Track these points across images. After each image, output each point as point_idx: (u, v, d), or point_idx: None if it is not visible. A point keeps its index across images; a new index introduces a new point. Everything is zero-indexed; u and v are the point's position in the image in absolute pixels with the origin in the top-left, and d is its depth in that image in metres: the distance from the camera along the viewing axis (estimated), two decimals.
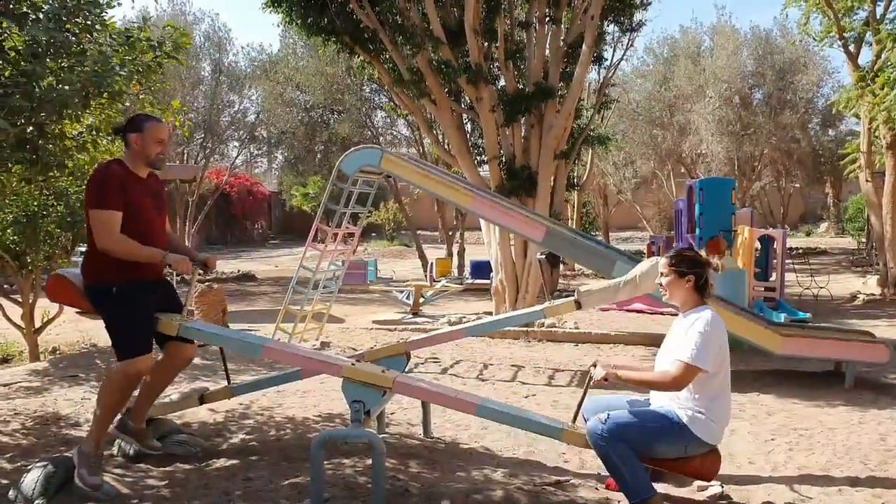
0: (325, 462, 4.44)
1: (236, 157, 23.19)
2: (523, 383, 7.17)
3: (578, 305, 4.59)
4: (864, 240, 23.70)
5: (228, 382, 5.11)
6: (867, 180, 14.92)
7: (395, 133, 20.96)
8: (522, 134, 9.66)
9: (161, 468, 4.57)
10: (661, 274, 3.86)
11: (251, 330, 10.26)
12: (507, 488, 4.10)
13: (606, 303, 4.62)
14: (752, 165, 24.79)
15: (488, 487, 4.11)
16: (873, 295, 14.27)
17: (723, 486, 4.12)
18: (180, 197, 21.14)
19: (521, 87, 9.66)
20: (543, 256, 4.58)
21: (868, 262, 20.94)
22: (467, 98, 10.20)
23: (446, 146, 11.02)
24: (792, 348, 6.76)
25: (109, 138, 5.87)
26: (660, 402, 3.79)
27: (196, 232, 21.35)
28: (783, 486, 4.14)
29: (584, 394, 4.05)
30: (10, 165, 5.48)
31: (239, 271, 20.55)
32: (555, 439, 4.18)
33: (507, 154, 9.62)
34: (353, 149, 7.98)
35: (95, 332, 10.36)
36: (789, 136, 23.04)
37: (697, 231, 14.12)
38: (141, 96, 5.72)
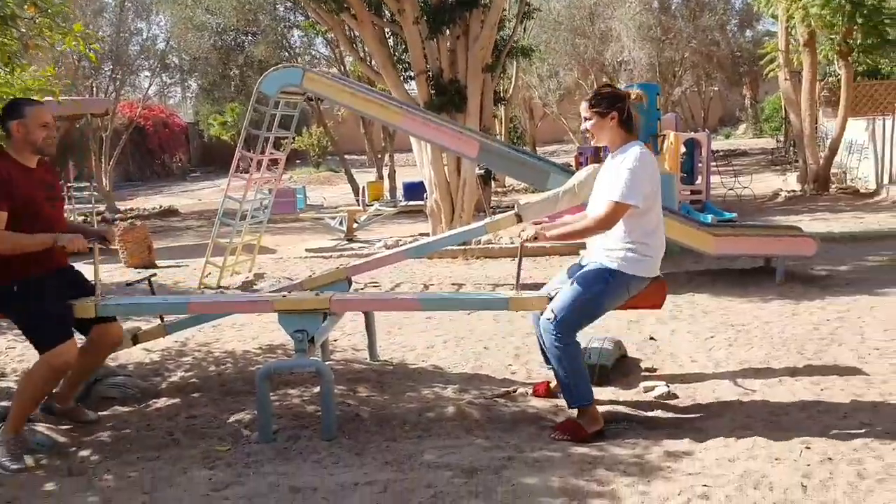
0: (271, 394, 4.34)
1: (148, 88, 22.12)
2: None
3: (519, 219, 4.50)
4: (781, 139, 24.37)
5: (162, 320, 4.90)
6: (786, 79, 15.18)
7: (314, 53, 20.21)
8: (448, 46, 9.37)
9: (99, 412, 4.39)
10: (585, 118, 3.74)
11: (178, 266, 9.95)
12: (459, 403, 4.09)
13: (547, 214, 4.54)
14: (673, 71, 24.95)
15: (440, 404, 4.09)
16: (794, 191, 14.73)
17: (668, 386, 4.19)
18: (93, 133, 20.10)
19: None
20: (483, 172, 4.42)
21: (786, 161, 21.58)
22: (388, 11, 9.81)
23: (370, 63, 10.66)
24: (724, 248, 6.90)
25: (7, 68, 5.40)
26: (592, 258, 3.75)
27: (112, 169, 20.42)
28: (727, 382, 4.24)
29: (520, 259, 4.01)
30: None
31: (161, 207, 19.87)
32: (503, 310, 4.18)
33: (433, 69, 9.35)
34: (272, 69, 7.62)
35: None
36: (709, 39, 23.20)
37: None
38: (37, 20, 5.22)
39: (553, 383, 4.16)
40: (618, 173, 3.56)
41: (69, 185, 14.17)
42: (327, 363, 5.07)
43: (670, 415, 3.85)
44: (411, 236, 11.99)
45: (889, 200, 12.59)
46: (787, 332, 5.15)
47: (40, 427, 4.01)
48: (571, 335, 3.64)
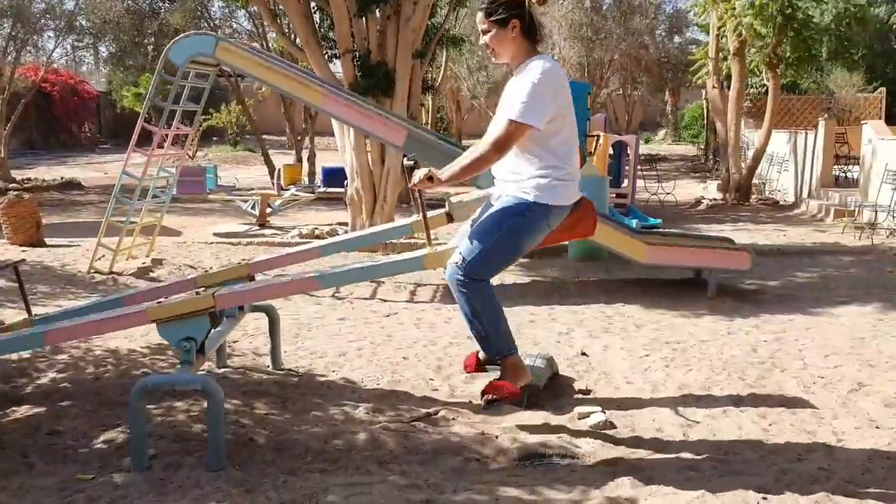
0: (153, 406, 3.74)
1: (53, 50, 20.54)
2: (384, 300, 6.63)
3: (450, 218, 4.01)
4: (702, 146, 24.69)
5: (29, 313, 4.22)
6: (714, 87, 15.19)
7: (235, 26, 19.20)
8: (378, 27, 8.78)
9: None
10: (483, 32, 3.22)
11: (71, 246, 9.06)
12: (372, 428, 3.58)
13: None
14: (601, 72, 24.95)
15: (350, 429, 3.56)
16: (716, 200, 14.75)
17: (605, 412, 3.79)
18: None
19: None
20: (412, 163, 3.92)
21: (706, 168, 21.83)
22: None
23: (293, 38, 9.97)
24: (656, 257, 6.59)
25: None
26: (503, 191, 3.28)
27: (10, 135, 18.90)
28: (667, 410, 3.86)
29: (423, 209, 3.62)
30: None
31: (63, 178, 18.53)
32: (418, 270, 3.75)
33: (361, 48, 8.75)
34: (181, 35, 6.90)
35: None
36: (638, 42, 23.23)
37: None
38: None
39: (483, 353, 3.70)
40: (517, 90, 3.06)
41: None
42: (222, 370, 4.49)
43: (609, 448, 3.44)
44: (328, 225, 11.37)
45: (808, 214, 12.69)
46: (726, 354, 4.84)
47: None
48: (483, 279, 3.18)
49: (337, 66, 10.05)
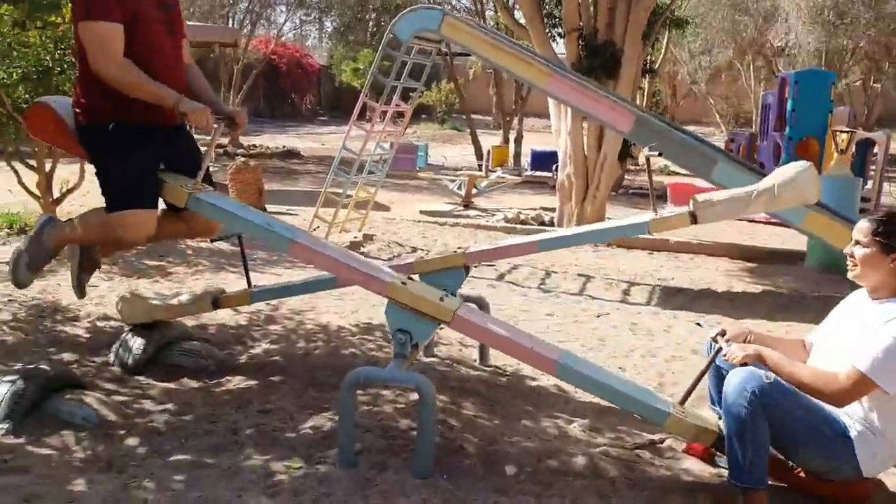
0: (359, 393, 3.58)
1: (283, 24, 21.79)
2: (593, 298, 6.21)
3: (694, 219, 3.50)
4: None
5: (249, 285, 4.23)
6: None
7: (454, 3, 19.28)
8: (608, 4, 8.25)
9: (164, 384, 3.77)
10: (857, 243, 2.77)
11: (289, 214, 9.41)
12: (590, 452, 3.19)
13: (731, 217, 3.54)
14: (842, 61, 22.59)
15: (566, 449, 3.20)
16: None
17: None
18: (224, 64, 20.02)
19: None
20: (656, 153, 3.49)
21: None
22: None
23: (514, 15, 9.68)
24: None
25: None
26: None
27: (241, 103, 20.33)
28: None
29: (703, 373, 3.04)
30: None
31: (284, 147, 19.66)
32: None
33: (587, 27, 8.28)
34: (408, 9, 6.78)
35: None
36: (891, 29, 20.71)
37: (787, 129, 12.70)
38: None
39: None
40: (879, 337, 2.58)
41: None
42: (428, 359, 4.29)
43: None
44: (533, 209, 11.07)
45: None
46: None
47: (90, 398, 3.39)
48: (761, 414, 2.66)
49: (558, 46, 9.66)
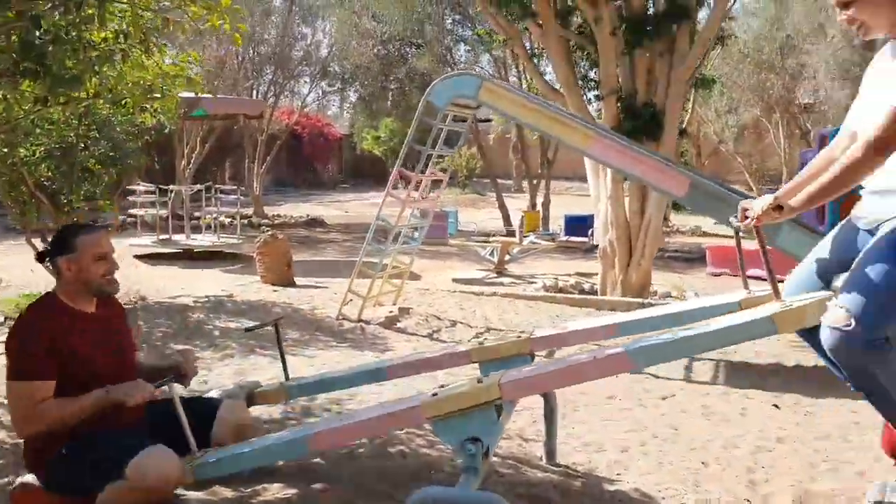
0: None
1: (307, 94, 21.86)
2: (654, 376, 5.70)
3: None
4: None
5: (286, 378, 3.82)
6: None
7: (478, 69, 19.26)
8: (647, 64, 7.97)
9: (195, 492, 3.33)
10: (841, 5, 2.35)
11: (318, 286, 9.05)
12: None
13: None
14: None
15: None
16: None
17: None
18: (249, 136, 20.03)
19: (647, 4, 7.96)
20: (740, 225, 3.08)
21: None
22: (581, 19, 8.56)
23: (548, 80, 9.44)
24: None
25: (142, 47, 4.53)
26: (880, 212, 2.36)
27: (265, 173, 20.28)
28: None
29: (766, 255, 2.55)
30: (17, 79, 4.20)
31: (308, 216, 19.50)
32: (771, 333, 2.56)
33: (626, 88, 7.99)
34: (444, 76, 6.52)
35: (147, 280, 9.32)
36: None
37: None
38: None
39: None
40: None
41: (216, 186, 13.79)
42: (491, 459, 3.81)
43: None
44: (568, 275, 10.66)
45: None
46: None
47: None
48: (884, 340, 2.23)
49: (592, 109, 9.39)
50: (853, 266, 2.34)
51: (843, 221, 2.66)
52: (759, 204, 2.47)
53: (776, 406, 4.99)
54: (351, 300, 7.49)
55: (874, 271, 2.25)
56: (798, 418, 4.70)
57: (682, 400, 5.09)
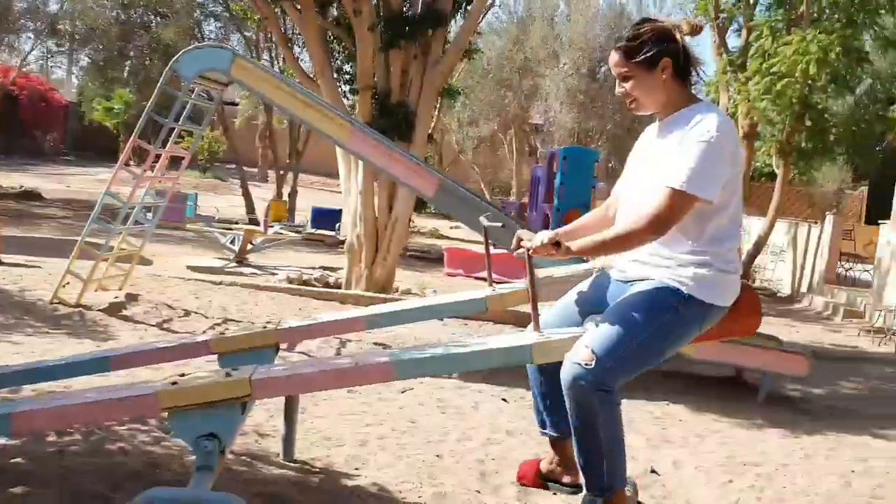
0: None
1: (30, 52, 19.47)
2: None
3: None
4: None
5: None
6: None
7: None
8: (402, 65, 8.09)
9: None
10: (621, 78, 2.53)
11: (30, 266, 8.04)
12: None
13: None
14: (590, 139, 24.70)
15: None
16: None
17: None
18: None
19: (405, 4, 8.07)
20: (499, 224, 3.19)
21: None
22: (339, 12, 8.46)
23: (303, 68, 9.24)
24: (706, 353, 5.87)
25: None
26: (636, 273, 2.55)
27: None
28: None
29: (532, 282, 2.58)
30: None
31: (22, 187, 17.39)
32: (527, 362, 2.70)
33: (381, 86, 8.04)
34: (195, 45, 6.10)
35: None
36: (632, 115, 23.08)
37: (556, 201, 13.37)
38: None
39: (545, 462, 2.90)
40: (682, 149, 2.38)
41: None
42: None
43: None
44: (312, 268, 10.52)
45: (813, 311, 12.22)
46: (821, 487, 4.08)
47: None
48: (615, 388, 2.41)
49: (346, 102, 9.34)
50: (606, 312, 2.51)
51: (601, 269, 2.83)
52: (539, 237, 2.53)
53: (504, 400, 5.28)
54: (68, 283, 6.72)
55: (625, 323, 2.41)
56: (525, 412, 4.98)
57: (419, 393, 5.19)
